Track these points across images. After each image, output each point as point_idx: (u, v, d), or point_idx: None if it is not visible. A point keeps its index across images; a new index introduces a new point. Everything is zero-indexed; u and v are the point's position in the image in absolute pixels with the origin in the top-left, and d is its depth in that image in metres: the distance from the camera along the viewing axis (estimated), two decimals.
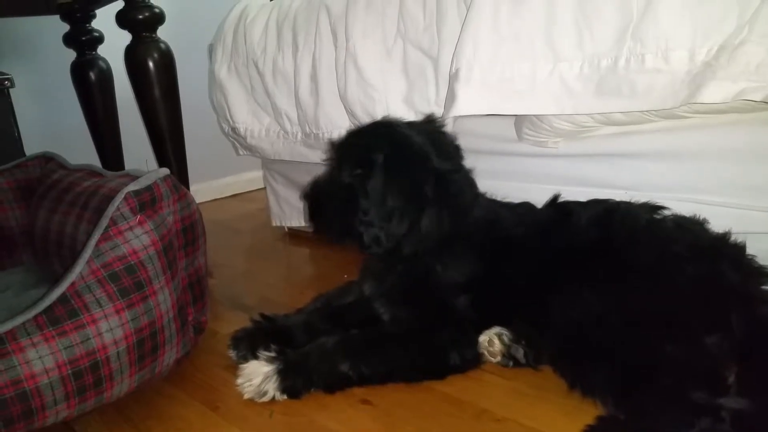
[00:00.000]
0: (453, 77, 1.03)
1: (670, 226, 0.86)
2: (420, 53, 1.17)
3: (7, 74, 1.43)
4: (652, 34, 0.83)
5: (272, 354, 0.90)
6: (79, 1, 1.72)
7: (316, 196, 1.05)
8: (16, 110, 1.47)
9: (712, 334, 0.73)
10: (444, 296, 0.94)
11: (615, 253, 0.85)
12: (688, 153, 0.96)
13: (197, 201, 1.04)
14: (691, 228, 0.86)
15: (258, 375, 0.88)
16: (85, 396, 0.79)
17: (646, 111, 0.91)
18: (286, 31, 1.42)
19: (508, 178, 1.15)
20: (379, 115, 1.18)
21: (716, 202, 0.94)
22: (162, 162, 1.56)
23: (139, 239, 0.86)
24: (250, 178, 2.42)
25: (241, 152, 1.73)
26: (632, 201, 0.92)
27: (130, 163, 1.97)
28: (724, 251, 0.81)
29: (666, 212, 0.89)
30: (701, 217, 0.87)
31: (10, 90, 1.43)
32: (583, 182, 1.08)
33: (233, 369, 0.94)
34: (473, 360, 0.93)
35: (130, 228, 0.86)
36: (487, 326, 0.94)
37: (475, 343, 0.93)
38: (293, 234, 1.84)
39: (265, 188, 1.85)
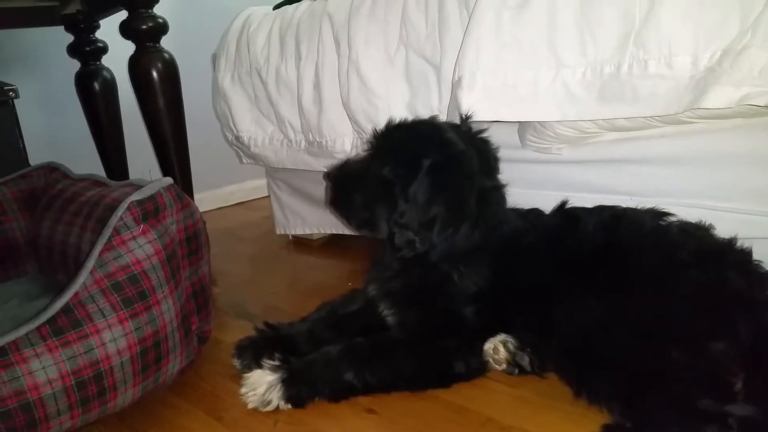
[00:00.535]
0: (456, 84, 1.03)
1: (676, 232, 0.86)
2: (422, 61, 1.18)
3: (12, 85, 1.44)
4: (654, 40, 0.83)
5: (276, 363, 0.90)
6: (83, 12, 1.73)
7: (344, 179, 1.02)
8: (21, 120, 1.48)
9: (719, 340, 0.73)
10: (455, 305, 0.94)
11: (621, 260, 0.84)
12: (693, 158, 0.96)
13: (201, 209, 1.04)
14: (697, 234, 0.86)
15: (262, 384, 0.87)
16: (89, 406, 0.79)
17: (650, 117, 0.91)
18: (289, 40, 1.43)
19: (512, 184, 1.14)
20: (381, 122, 1.18)
21: (721, 208, 0.93)
22: (166, 171, 1.56)
23: (142, 249, 0.86)
24: (254, 186, 2.42)
25: (244, 161, 1.74)
26: (638, 207, 0.92)
27: (134, 173, 1.97)
28: (730, 257, 0.81)
29: (671, 218, 0.88)
30: (707, 223, 0.87)
31: (15, 100, 1.44)
32: (588, 188, 1.08)
33: (237, 378, 0.94)
34: (479, 368, 0.92)
35: (134, 237, 0.86)
36: (492, 333, 0.94)
37: (481, 351, 0.93)
38: (297, 242, 1.84)
39: (269, 196, 1.86)
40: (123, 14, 1.48)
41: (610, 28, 0.87)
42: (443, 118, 1.13)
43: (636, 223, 0.89)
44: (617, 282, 0.81)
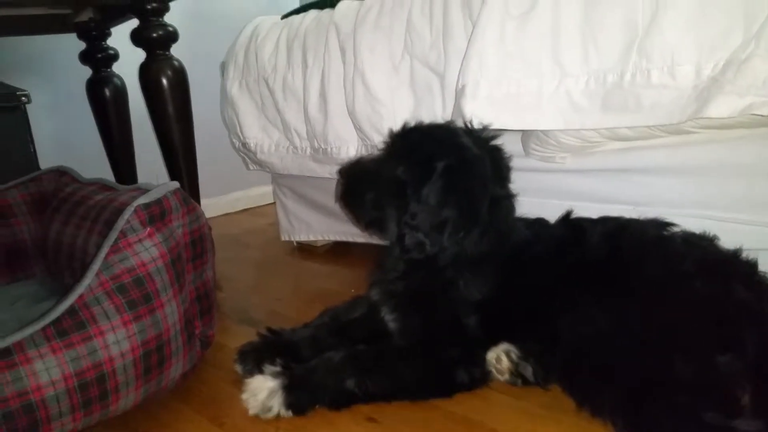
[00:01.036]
0: (459, 93, 1.03)
1: (680, 243, 0.85)
2: (427, 69, 1.18)
3: (25, 90, 1.46)
4: (657, 49, 0.83)
5: (278, 369, 0.90)
6: (95, 20, 1.76)
7: (357, 177, 1.03)
8: (32, 125, 1.50)
9: (725, 353, 0.71)
10: (458, 312, 0.93)
11: (625, 271, 0.84)
12: (696, 168, 0.96)
13: (208, 215, 1.05)
14: (701, 245, 0.85)
15: (263, 390, 0.87)
16: (91, 409, 0.80)
17: (653, 126, 0.91)
18: (296, 49, 1.44)
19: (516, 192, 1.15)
20: (386, 130, 1.18)
21: (726, 218, 0.93)
22: (174, 176, 1.58)
23: (147, 252, 0.87)
24: (260, 192, 2.44)
25: (251, 167, 1.75)
26: (641, 217, 0.91)
27: (143, 177, 1.99)
28: (736, 268, 0.80)
29: (675, 229, 0.88)
30: (711, 234, 0.86)
31: (27, 105, 1.47)
32: (591, 197, 1.08)
33: (240, 383, 0.94)
34: (481, 378, 0.92)
35: (140, 240, 0.87)
36: (495, 343, 0.93)
37: (483, 360, 0.92)
38: (302, 248, 1.84)
39: (274, 203, 1.87)
40: (134, 22, 1.50)
41: (614, 38, 0.87)
42: None
43: (640, 234, 0.88)
44: (622, 293, 0.81)
